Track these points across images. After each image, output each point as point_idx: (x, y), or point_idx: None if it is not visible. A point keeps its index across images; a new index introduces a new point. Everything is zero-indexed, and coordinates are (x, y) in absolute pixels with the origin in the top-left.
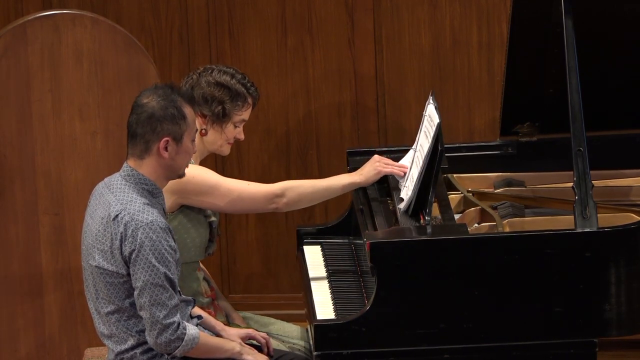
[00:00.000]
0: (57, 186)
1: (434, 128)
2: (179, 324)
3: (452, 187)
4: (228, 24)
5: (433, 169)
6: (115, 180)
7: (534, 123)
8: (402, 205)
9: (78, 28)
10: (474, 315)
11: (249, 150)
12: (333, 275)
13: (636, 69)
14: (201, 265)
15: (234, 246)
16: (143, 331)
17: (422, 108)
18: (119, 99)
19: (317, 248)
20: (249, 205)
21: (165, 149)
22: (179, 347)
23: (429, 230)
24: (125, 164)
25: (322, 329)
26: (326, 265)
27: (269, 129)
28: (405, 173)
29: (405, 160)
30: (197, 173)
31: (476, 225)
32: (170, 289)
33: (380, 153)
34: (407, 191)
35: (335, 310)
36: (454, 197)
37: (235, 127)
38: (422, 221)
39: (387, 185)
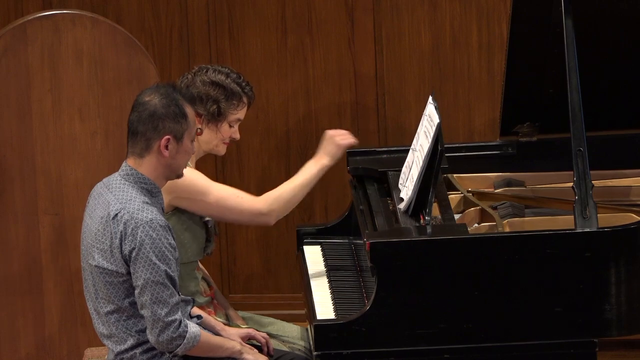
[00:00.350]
0: (57, 186)
1: (434, 128)
2: (180, 321)
3: (452, 187)
4: (228, 24)
5: (433, 169)
6: (114, 179)
7: (534, 123)
8: (402, 205)
9: (78, 28)
10: (474, 315)
11: (249, 150)
12: (333, 276)
13: (636, 69)
14: (200, 265)
15: (234, 246)
16: (143, 331)
17: (422, 108)
18: (119, 99)
19: (317, 248)
20: (237, 217)
21: (166, 147)
22: (180, 345)
23: (429, 230)
24: (124, 164)
25: (322, 329)
26: (326, 265)
27: (269, 129)
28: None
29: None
30: (189, 176)
31: (476, 225)
32: (171, 286)
33: (380, 153)
34: (407, 191)
35: (335, 310)
36: (454, 197)
37: (231, 126)
38: (422, 221)
39: (387, 185)
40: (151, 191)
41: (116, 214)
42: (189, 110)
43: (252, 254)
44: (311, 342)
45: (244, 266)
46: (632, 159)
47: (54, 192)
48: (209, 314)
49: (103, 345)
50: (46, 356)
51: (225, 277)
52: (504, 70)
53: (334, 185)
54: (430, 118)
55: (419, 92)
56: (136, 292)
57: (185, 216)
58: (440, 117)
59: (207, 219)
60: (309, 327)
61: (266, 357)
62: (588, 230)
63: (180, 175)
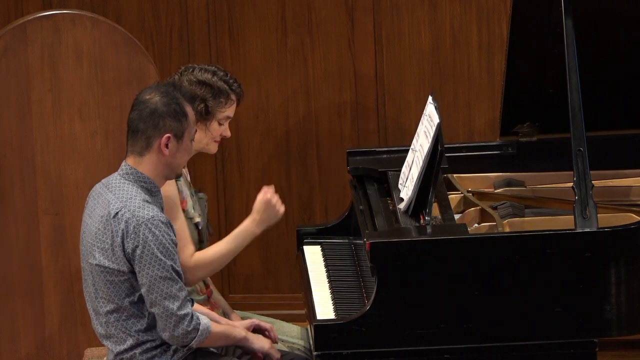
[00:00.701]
0: (57, 186)
1: (434, 128)
2: (192, 314)
3: (452, 187)
4: (228, 24)
5: (433, 169)
6: (114, 179)
7: (534, 123)
8: (402, 205)
9: (78, 28)
10: (474, 315)
11: (249, 150)
12: (333, 275)
13: (636, 69)
14: None
15: None
16: (142, 331)
17: (422, 108)
18: (119, 99)
19: (317, 248)
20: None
21: (166, 145)
22: (195, 337)
23: (429, 230)
24: (123, 163)
25: (322, 329)
26: (326, 265)
27: (269, 129)
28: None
29: None
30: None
31: (476, 225)
32: (179, 280)
33: (380, 153)
34: (407, 191)
35: (335, 310)
36: (454, 197)
37: (220, 124)
38: (422, 221)
39: (387, 185)
40: (151, 190)
41: (117, 213)
42: (189, 110)
43: (252, 254)
44: (311, 342)
45: (244, 266)
46: (632, 159)
47: (54, 192)
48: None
49: (103, 345)
50: (46, 356)
51: (225, 277)
52: (504, 70)
53: (334, 185)
54: (430, 118)
55: (419, 92)
56: (143, 290)
57: None
58: (440, 117)
59: (196, 220)
60: (309, 327)
61: (270, 341)
62: (588, 230)
63: (179, 175)
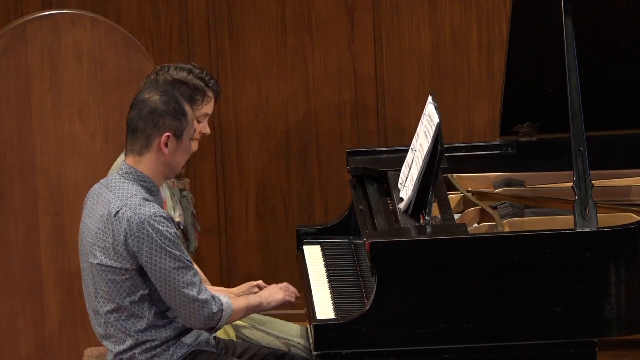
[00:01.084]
0: (57, 186)
1: (434, 128)
2: (213, 296)
3: (452, 187)
4: (228, 24)
5: (433, 169)
6: (114, 179)
7: (534, 123)
8: (402, 205)
9: (78, 28)
10: (474, 315)
11: (249, 150)
12: (333, 275)
13: (636, 69)
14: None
15: (234, 246)
16: (142, 331)
17: (422, 108)
18: (119, 99)
19: (317, 248)
20: None
21: (166, 145)
22: (221, 318)
23: (429, 230)
24: (123, 163)
25: (322, 329)
26: (326, 265)
27: (269, 129)
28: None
29: None
30: None
31: (476, 225)
32: (192, 267)
33: (380, 153)
34: (407, 191)
35: (335, 310)
36: (454, 197)
37: (199, 122)
38: (422, 221)
39: (387, 185)
40: (151, 189)
41: (117, 212)
42: (189, 109)
43: (252, 254)
44: (311, 342)
45: (244, 266)
46: (632, 159)
47: (54, 192)
48: None
49: (103, 345)
50: (46, 356)
51: (225, 277)
52: (504, 70)
53: (334, 185)
54: (430, 118)
55: (419, 92)
56: (159, 285)
57: None
58: (440, 117)
59: (177, 220)
60: (309, 327)
61: (281, 288)
62: (588, 230)
63: (178, 175)
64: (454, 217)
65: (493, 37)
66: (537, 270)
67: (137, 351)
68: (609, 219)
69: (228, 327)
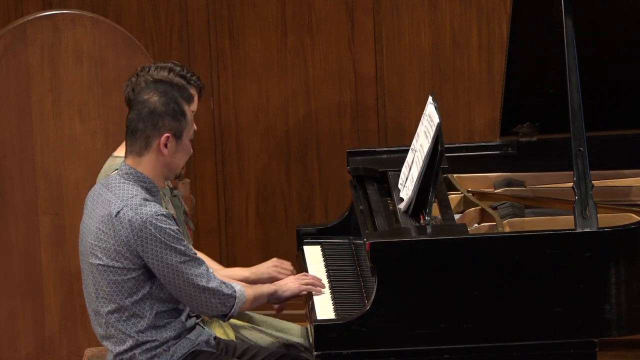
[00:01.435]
0: (57, 186)
1: (434, 128)
2: (222, 282)
3: (452, 187)
4: (228, 24)
5: (433, 169)
6: (113, 179)
7: (534, 123)
8: (402, 205)
9: (78, 28)
10: (474, 315)
11: (249, 150)
12: (333, 275)
13: (636, 69)
14: None
15: (234, 246)
16: (142, 331)
17: (422, 108)
18: (119, 99)
19: (317, 248)
20: None
21: (165, 145)
22: (234, 305)
23: (429, 230)
24: (122, 163)
25: (322, 329)
26: (326, 266)
27: (269, 129)
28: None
29: None
30: None
31: (476, 225)
32: (198, 258)
33: (380, 153)
34: (407, 191)
35: (335, 310)
36: (454, 197)
37: None
38: (422, 221)
39: (387, 185)
40: (150, 190)
41: (118, 212)
42: (188, 109)
43: (252, 254)
44: (310, 340)
45: (244, 266)
46: (632, 159)
47: (54, 192)
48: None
49: (103, 345)
50: (46, 356)
51: None
52: (504, 70)
53: (334, 185)
54: (430, 118)
55: (419, 92)
56: (167, 281)
57: None
58: (440, 117)
59: None
60: (309, 327)
61: (298, 279)
62: (588, 230)
63: (178, 176)
64: (454, 217)
65: (493, 37)
66: (537, 270)
67: (137, 351)
68: (609, 219)
69: (227, 328)
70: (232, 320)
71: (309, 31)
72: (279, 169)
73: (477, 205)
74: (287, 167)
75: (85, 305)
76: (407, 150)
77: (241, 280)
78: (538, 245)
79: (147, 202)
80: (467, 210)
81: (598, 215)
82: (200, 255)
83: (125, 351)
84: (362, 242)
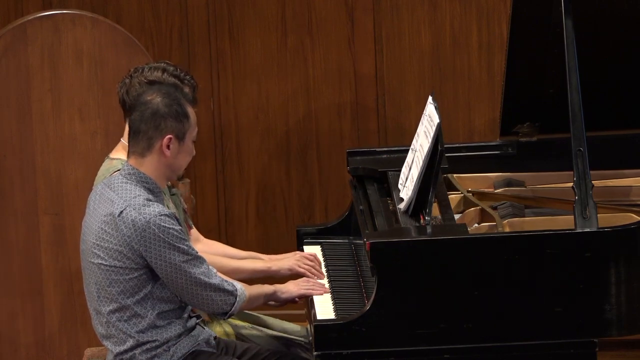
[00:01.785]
0: (57, 186)
1: (434, 128)
2: (224, 280)
3: (452, 187)
4: (228, 24)
5: (433, 169)
6: (116, 179)
7: (534, 123)
8: (402, 205)
9: (78, 28)
10: (474, 315)
11: (249, 150)
12: (333, 275)
13: (636, 69)
14: None
15: (234, 246)
16: (142, 331)
17: (422, 108)
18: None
19: (317, 248)
20: None
21: (168, 147)
22: (235, 303)
23: (429, 230)
24: (125, 163)
25: (322, 329)
26: (326, 265)
27: (269, 129)
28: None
29: None
30: None
31: (476, 225)
32: (200, 256)
33: (380, 153)
34: (407, 191)
35: (335, 310)
36: (454, 197)
37: None
38: (422, 221)
39: (387, 185)
40: (153, 190)
41: (121, 211)
42: (191, 111)
43: None
44: (310, 339)
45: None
46: (632, 159)
47: (54, 192)
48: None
49: (103, 345)
50: (46, 356)
51: None
52: (504, 70)
53: (334, 185)
54: (430, 118)
55: (419, 92)
56: (169, 280)
57: None
58: (440, 117)
59: None
60: (309, 327)
61: (298, 283)
62: (588, 230)
63: (180, 177)
64: (454, 217)
65: (493, 37)
66: (537, 270)
67: (137, 351)
68: (609, 219)
69: (228, 327)
70: (232, 320)
71: (309, 31)
72: (279, 169)
73: (477, 205)
74: (287, 167)
75: (85, 305)
76: (407, 150)
77: (262, 271)
78: (538, 245)
79: (150, 203)
80: (467, 210)
81: (598, 215)
82: (218, 245)
83: (126, 351)
84: (362, 242)
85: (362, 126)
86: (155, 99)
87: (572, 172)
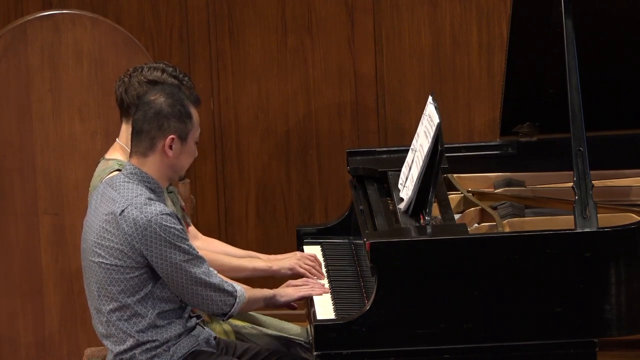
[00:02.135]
0: (57, 186)
1: (434, 128)
2: (224, 280)
3: (452, 187)
4: (228, 24)
5: (433, 169)
6: (118, 178)
7: (534, 123)
8: (402, 205)
9: (78, 28)
10: (474, 315)
11: (249, 150)
12: (333, 275)
13: (636, 69)
14: None
15: (234, 246)
16: (142, 331)
17: (422, 108)
18: None
19: (317, 248)
20: None
21: (170, 147)
22: (234, 304)
23: (429, 230)
24: (127, 163)
25: (322, 329)
26: (326, 266)
27: (269, 129)
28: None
29: None
30: None
31: (476, 225)
32: (200, 256)
33: (380, 153)
34: (407, 191)
35: (335, 310)
36: (454, 197)
37: None
38: (422, 221)
39: (387, 185)
40: (155, 190)
41: (123, 210)
42: (194, 111)
43: None
44: (310, 339)
45: None
46: (632, 159)
47: (54, 192)
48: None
49: (103, 345)
50: (46, 356)
51: None
52: (504, 70)
53: (334, 185)
54: (430, 118)
55: (419, 92)
56: (169, 279)
57: None
58: (440, 117)
59: None
60: (308, 327)
61: (298, 287)
62: (588, 230)
63: (182, 177)
64: (454, 217)
65: (493, 37)
66: (537, 270)
67: (137, 351)
68: (609, 219)
69: (227, 328)
70: (232, 320)
71: (309, 31)
72: (279, 169)
73: (477, 205)
74: (287, 167)
75: (85, 305)
76: (407, 150)
77: (263, 270)
78: (538, 245)
79: (152, 202)
80: (467, 210)
81: (598, 215)
82: (217, 243)
83: (125, 351)
84: (362, 242)
85: (362, 126)
86: (158, 98)
87: (572, 172)
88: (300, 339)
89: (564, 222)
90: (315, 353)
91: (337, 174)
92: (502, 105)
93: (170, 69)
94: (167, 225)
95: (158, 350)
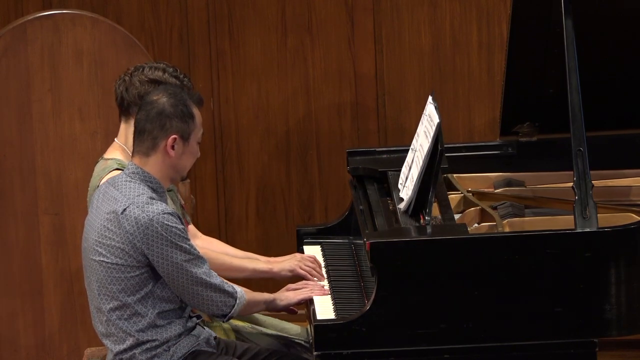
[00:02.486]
0: (57, 186)
1: (434, 128)
2: (224, 281)
3: (452, 187)
4: (228, 24)
5: (433, 169)
6: (120, 178)
7: (534, 123)
8: (402, 205)
9: (78, 28)
10: (474, 315)
11: (249, 150)
12: (333, 275)
13: (636, 69)
14: None
15: (234, 246)
16: (142, 330)
17: (422, 108)
18: None
19: (317, 248)
20: None
21: (172, 147)
22: (234, 305)
23: (429, 230)
24: (129, 162)
25: (322, 329)
26: (326, 266)
27: (269, 129)
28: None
29: None
30: None
31: (476, 225)
32: (201, 256)
33: (380, 153)
34: (407, 191)
35: (335, 310)
36: (454, 197)
37: None
38: (422, 221)
39: (387, 185)
40: (157, 190)
41: (124, 209)
42: (197, 112)
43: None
44: (310, 339)
45: None
46: (632, 159)
47: (54, 192)
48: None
49: (103, 345)
50: (46, 356)
51: None
52: (504, 70)
53: (334, 185)
54: (430, 118)
55: (419, 92)
56: (170, 279)
57: None
58: (440, 117)
59: None
60: (308, 327)
61: (297, 291)
62: (588, 230)
63: (184, 177)
64: (454, 217)
65: (493, 37)
66: (537, 270)
67: (137, 351)
68: (609, 219)
69: (228, 328)
70: (232, 321)
71: (309, 31)
72: (279, 169)
73: (477, 205)
74: (287, 167)
75: (85, 305)
76: (407, 150)
77: (263, 272)
78: (538, 245)
79: (154, 201)
80: (467, 210)
81: (598, 215)
82: (217, 243)
83: (125, 350)
84: (362, 242)
85: (362, 126)
86: (161, 98)
87: (572, 172)
88: (300, 339)
89: (564, 222)
90: (315, 353)
91: (337, 174)
92: (502, 105)
93: (171, 69)
94: (168, 225)
95: (158, 350)
